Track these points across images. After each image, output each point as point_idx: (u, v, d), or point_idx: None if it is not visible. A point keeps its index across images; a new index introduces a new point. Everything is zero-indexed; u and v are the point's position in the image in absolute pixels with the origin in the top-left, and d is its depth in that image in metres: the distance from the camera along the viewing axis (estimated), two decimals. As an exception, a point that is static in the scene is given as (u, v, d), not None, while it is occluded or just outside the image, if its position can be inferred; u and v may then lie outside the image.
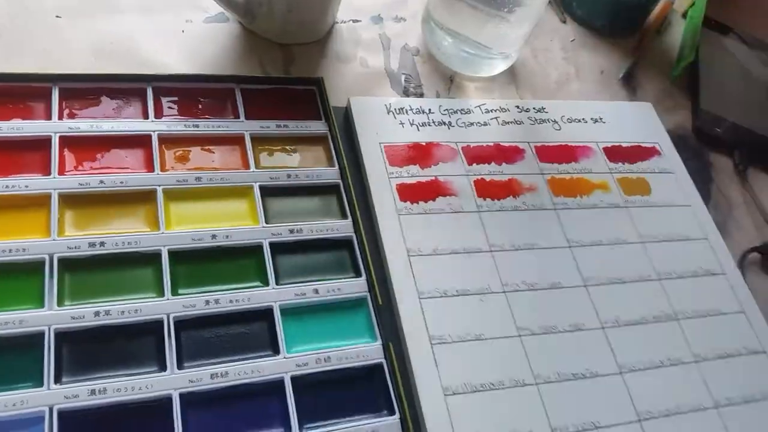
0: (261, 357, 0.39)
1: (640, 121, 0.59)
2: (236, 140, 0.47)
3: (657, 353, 0.46)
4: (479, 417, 0.40)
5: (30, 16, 0.49)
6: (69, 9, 0.51)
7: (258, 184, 0.45)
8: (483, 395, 0.41)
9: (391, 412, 0.39)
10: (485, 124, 0.54)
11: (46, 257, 0.39)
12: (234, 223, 0.44)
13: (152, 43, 0.51)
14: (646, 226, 0.52)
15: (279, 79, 0.51)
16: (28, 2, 0.50)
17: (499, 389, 0.42)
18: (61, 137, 0.44)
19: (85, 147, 0.44)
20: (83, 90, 0.46)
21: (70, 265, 0.40)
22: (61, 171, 0.43)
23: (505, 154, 0.52)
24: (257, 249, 0.43)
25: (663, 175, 0.55)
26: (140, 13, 0.52)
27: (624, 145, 0.56)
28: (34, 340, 0.37)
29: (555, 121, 0.56)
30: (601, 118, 0.57)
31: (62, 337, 0.37)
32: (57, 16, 0.50)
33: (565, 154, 0.54)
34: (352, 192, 0.47)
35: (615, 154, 0.55)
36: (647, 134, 0.58)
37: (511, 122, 0.54)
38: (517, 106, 0.56)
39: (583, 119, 0.57)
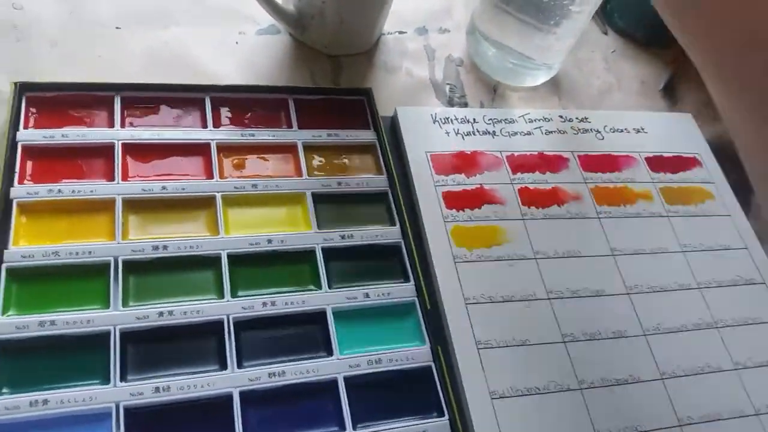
0: (315, 358, 0.41)
1: (680, 132, 0.59)
2: (289, 149, 0.49)
3: (697, 360, 0.47)
4: (525, 420, 0.41)
5: (87, 28, 0.51)
6: (126, 20, 0.53)
7: (310, 191, 0.47)
8: (529, 399, 0.42)
9: (441, 414, 0.41)
10: (529, 134, 0.55)
11: (111, 260, 0.41)
12: (288, 228, 0.45)
13: (207, 53, 0.53)
14: (687, 235, 0.52)
15: (330, 90, 0.53)
16: (86, 13, 0.52)
17: (545, 393, 0.43)
18: (123, 144, 0.45)
19: (147, 154, 0.46)
20: (144, 99, 0.48)
21: (134, 268, 0.41)
22: (125, 177, 0.44)
23: (549, 163, 0.53)
24: (311, 254, 0.45)
25: (704, 185, 0.56)
26: (195, 24, 0.54)
27: (665, 155, 0.57)
28: (101, 339, 0.39)
29: (598, 131, 0.57)
30: (643, 129, 0.58)
31: (127, 336, 0.39)
32: (117, 27, 0.52)
33: (609, 163, 0.55)
34: (400, 199, 0.48)
35: (657, 164, 0.56)
36: (688, 145, 0.59)
37: (554, 132, 0.55)
38: (561, 116, 0.57)
39: (625, 129, 0.57)
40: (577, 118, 0.57)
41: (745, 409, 0.46)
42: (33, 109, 0.46)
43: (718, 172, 0.57)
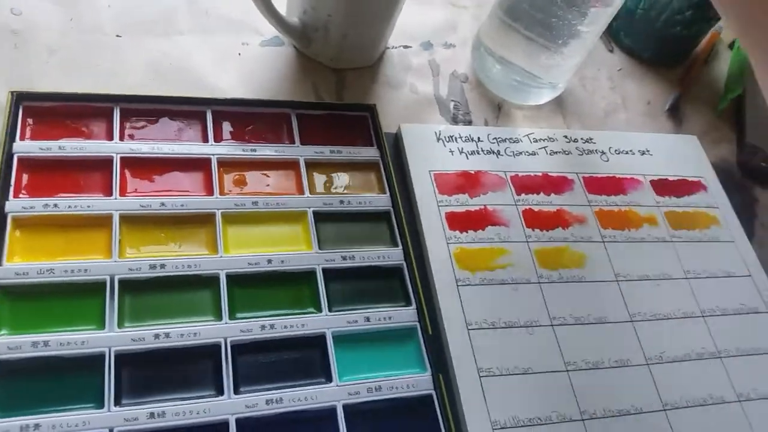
0: (314, 384, 0.40)
1: (685, 155, 0.59)
2: (291, 165, 0.48)
3: (700, 391, 0.46)
4: (526, 451, 0.41)
5: (88, 35, 0.50)
6: (127, 28, 0.52)
7: (312, 209, 0.46)
8: (530, 430, 0.41)
9: (441, 444, 0.40)
10: (533, 154, 0.54)
11: (108, 278, 0.40)
12: (288, 247, 0.44)
13: (210, 64, 0.52)
14: (691, 261, 0.52)
15: (333, 105, 0.52)
16: (86, 20, 0.51)
17: (547, 424, 0.42)
18: (122, 158, 0.44)
19: (146, 169, 0.45)
20: (144, 111, 0.47)
21: (130, 287, 0.40)
22: (123, 192, 0.43)
23: (554, 184, 0.53)
24: (311, 275, 0.44)
25: (708, 209, 0.55)
26: (198, 34, 0.53)
27: (670, 178, 0.56)
28: (96, 361, 0.38)
29: (603, 152, 0.56)
30: (648, 150, 0.57)
31: (122, 358, 0.38)
32: (117, 36, 0.51)
33: (614, 185, 0.54)
34: (403, 220, 0.47)
35: (662, 187, 0.55)
36: (693, 168, 0.58)
37: (559, 152, 0.55)
38: (565, 136, 0.56)
39: (630, 151, 0.57)
40: (582, 139, 0.56)
41: (748, 441, 0.45)
42: (30, 120, 0.45)
43: (723, 197, 0.57)
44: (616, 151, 0.56)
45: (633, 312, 0.48)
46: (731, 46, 0.70)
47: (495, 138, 0.54)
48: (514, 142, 0.54)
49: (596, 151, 0.56)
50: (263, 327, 0.41)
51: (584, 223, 0.51)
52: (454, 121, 0.55)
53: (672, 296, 0.50)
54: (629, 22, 0.65)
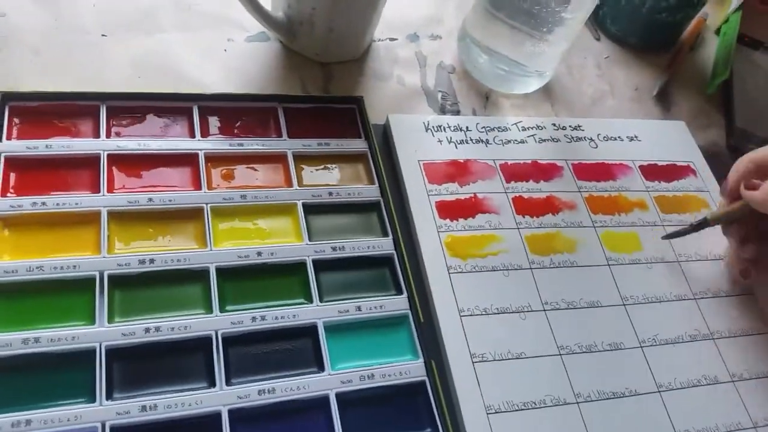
0: (306, 373, 0.40)
1: (674, 140, 0.59)
2: (279, 158, 0.48)
3: (694, 372, 0.46)
4: (521, 435, 0.41)
5: (72, 35, 0.50)
6: (111, 27, 0.52)
7: (301, 201, 0.46)
8: (525, 414, 0.41)
9: (435, 430, 0.40)
10: (522, 142, 0.54)
11: (97, 274, 0.40)
12: (278, 240, 0.44)
13: (195, 61, 0.52)
14: (682, 245, 0.52)
15: (320, 98, 0.52)
16: (70, 20, 0.51)
17: (541, 408, 0.42)
18: (109, 155, 0.44)
19: (133, 165, 0.45)
20: (130, 108, 0.47)
21: (120, 282, 0.40)
22: (110, 189, 0.43)
23: (543, 171, 0.53)
24: (301, 266, 0.44)
25: (698, 193, 0.55)
26: (183, 31, 0.53)
27: (659, 163, 0.56)
28: (87, 356, 0.38)
29: (591, 139, 0.56)
30: (636, 137, 0.57)
31: (113, 353, 0.38)
32: (102, 35, 0.51)
33: (603, 172, 0.54)
34: (392, 209, 0.47)
35: (651, 172, 0.55)
36: (681, 153, 0.58)
37: (548, 140, 0.55)
38: (554, 124, 0.56)
39: (618, 137, 0.57)
40: (570, 126, 0.56)
41: (743, 421, 0.45)
42: (16, 120, 0.45)
43: (712, 181, 0.57)
44: (604, 137, 0.57)
45: (625, 295, 0.48)
46: (717, 31, 0.70)
47: (483, 127, 0.54)
48: (503, 130, 0.54)
49: (585, 138, 0.56)
50: (254, 319, 0.41)
51: (574, 209, 0.51)
52: (442, 111, 0.55)
53: (664, 279, 0.50)
54: (615, 10, 0.65)
